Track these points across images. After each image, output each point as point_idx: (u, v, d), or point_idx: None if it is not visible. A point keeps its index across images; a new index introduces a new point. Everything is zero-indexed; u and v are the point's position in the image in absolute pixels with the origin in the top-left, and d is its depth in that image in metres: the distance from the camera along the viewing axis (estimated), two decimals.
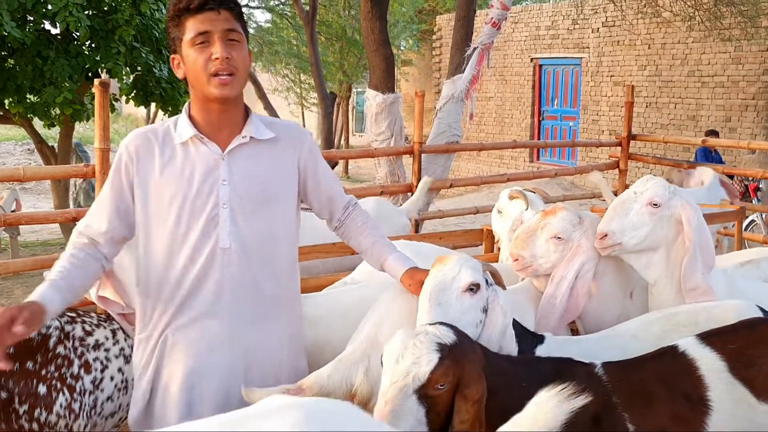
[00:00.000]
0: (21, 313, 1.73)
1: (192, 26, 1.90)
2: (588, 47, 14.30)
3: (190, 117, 2.01)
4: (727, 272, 2.92)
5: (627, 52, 13.55)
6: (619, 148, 7.78)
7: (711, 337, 2.03)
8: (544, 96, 15.59)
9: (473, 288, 1.99)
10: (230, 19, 1.92)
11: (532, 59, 15.58)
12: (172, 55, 2.00)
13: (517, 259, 2.76)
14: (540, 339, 2.27)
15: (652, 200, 2.62)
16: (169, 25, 1.96)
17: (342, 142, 22.43)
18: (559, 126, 15.34)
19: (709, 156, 9.28)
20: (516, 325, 2.19)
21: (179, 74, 1.99)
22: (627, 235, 2.63)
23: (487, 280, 2.06)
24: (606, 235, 2.63)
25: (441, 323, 1.85)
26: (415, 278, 2.08)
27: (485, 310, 2.04)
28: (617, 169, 7.80)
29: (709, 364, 1.96)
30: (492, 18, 6.89)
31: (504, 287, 2.10)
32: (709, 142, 8.00)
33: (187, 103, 2.06)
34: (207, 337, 2.01)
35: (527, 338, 2.24)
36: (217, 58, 1.88)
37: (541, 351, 2.23)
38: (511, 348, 2.10)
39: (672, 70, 12.83)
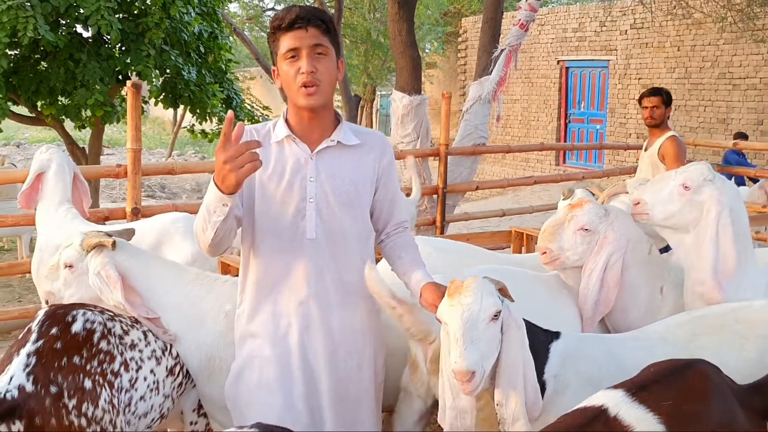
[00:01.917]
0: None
1: (284, 43, 2.11)
2: (616, 49, 14.18)
3: (286, 120, 2.22)
4: (765, 272, 2.90)
5: (656, 54, 13.42)
6: None
7: (642, 392, 1.78)
8: (571, 98, 15.49)
9: (497, 315, 2.01)
10: (317, 35, 2.10)
11: (558, 61, 15.49)
12: (273, 67, 2.22)
13: (545, 252, 2.83)
14: (555, 335, 2.26)
15: (685, 183, 2.71)
16: (268, 40, 2.20)
17: None
18: (586, 129, 15.22)
19: (739, 159, 9.15)
20: (525, 323, 2.17)
21: (277, 84, 2.21)
22: (656, 207, 2.77)
23: (500, 299, 2.06)
24: (639, 203, 2.80)
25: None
26: (441, 290, 2.15)
27: (502, 330, 2.05)
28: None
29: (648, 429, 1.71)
30: (519, 19, 6.87)
31: (512, 299, 2.11)
32: (740, 145, 7.90)
33: (285, 108, 2.27)
34: (295, 322, 2.20)
35: (539, 336, 2.22)
36: (304, 72, 2.09)
37: (556, 348, 2.22)
38: (527, 355, 2.08)
39: (702, 73, 12.67)
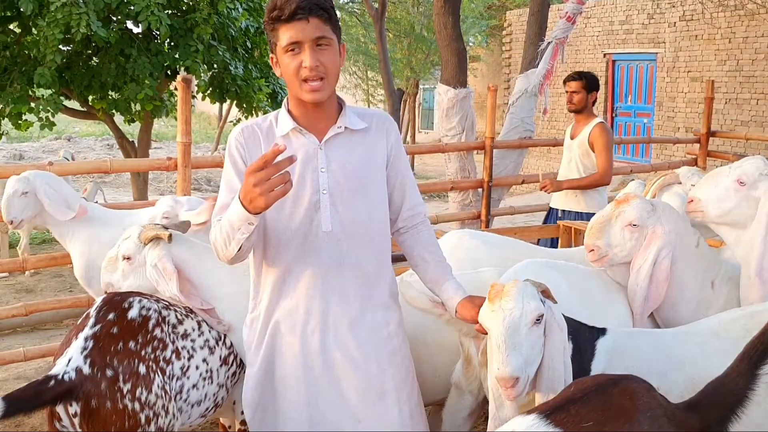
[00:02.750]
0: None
1: (284, 34, 1.99)
2: (664, 42, 13.89)
3: (288, 112, 2.13)
4: None
5: (706, 46, 13.10)
6: (697, 146, 7.55)
7: (558, 413, 1.63)
8: (618, 92, 15.23)
9: (539, 319, 1.96)
10: (320, 25, 1.99)
11: (605, 55, 15.24)
12: (271, 54, 2.12)
13: (593, 250, 2.78)
14: (601, 331, 2.22)
15: (740, 178, 2.67)
16: (265, 27, 2.08)
17: (408, 138, 22.46)
18: (633, 123, 14.96)
19: None
20: (570, 321, 2.15)
21: (277, 72, 2.10)
22: (711, 205, 2.72)
23: (542, 301, 2.02)
24: (692, 201, 2.77)
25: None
26: (476, 303, 2.11)
27: (544, 333, 2.00)
28: (695, 167, 7.56)
29: None
30: (567, 12, 6.78)
31: (554, 301, 2.05)
32: None
33: (285, 99, 2.18)
34: (317, 318, 2.12)
35: (584, 333, 2.18)
36: (307, 67, 1.98)
37: (602, 345, 2.18)
38: (568, 359, 2.05)
39: (754, 65, 12.33)
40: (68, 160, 8.34)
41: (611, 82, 15.29)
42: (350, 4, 21.11)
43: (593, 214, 3.11)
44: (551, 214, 5.11)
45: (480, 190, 6.58)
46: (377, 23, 15.13)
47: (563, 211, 4.94)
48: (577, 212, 4.81)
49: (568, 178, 4.96)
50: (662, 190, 3.66)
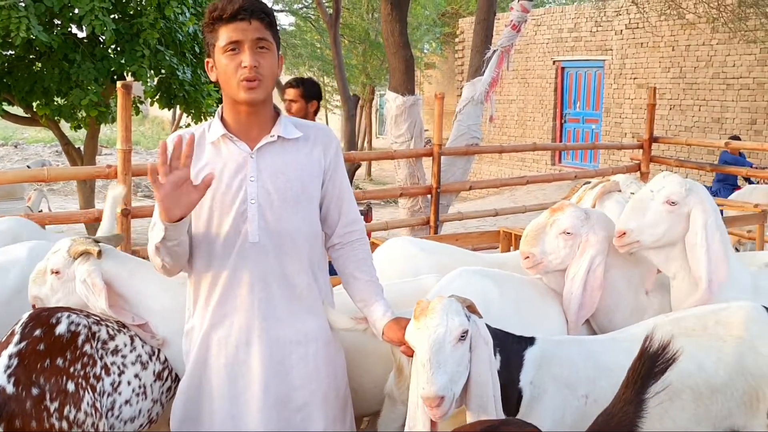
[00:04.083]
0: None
1: (225, 34, 1.99)
2: (611, 49, 14.20)
3: (222, 119, 2.12)
4: (752, 273, 2.91)
5: (651, 54, 13.44)
6: (640, 151, 7.73)
7: None
8: (567, 98, 15.50)
9: (464, 335, 1.95)
10: (260, 29, 2.00)
11: (554, 62, 15.50)
12: (207, 59, 2.10)
13: (528, 257, 2.81)
14: (530, 341, 2.23)
15: (670, 198, 2.65)
16: (204, 30, 2.07)
17: (365, 144, 22.49)
18: (582, 129, 15.24)
19: (736, 158, 9.18)
20: (497, 332, 2.16)
21: (212, 77, 2.09)
22: (645, 233, 2.67)
23: (467, 317, 2.00)
24: (624, 233, 2.67)
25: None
26: (401, 325, 2.09)
27: (470, 348, 1.99)
28: (639, 172, 7.75)
29: None
30: (512, 21, 6.89)
31: (480, 315, 2.04)
32: (731, 145, 7.93)
33: (219, 107, 2.16)
34: (243, 332, 2.10)
35: (512, 343, 2.19)
36: (246, 66, 1.98)
37: (531, 354, 2.19)
38: (495, 373, 2.04)
39: (696, 72, 12.70)
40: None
41: (560, 89, 15.55)
42: (304, 9, 21.05)
43: None
44: None
45: (429, 196, 6.63)
46: (331, 29, 15.11)
47: None
48: None
49: None
50: (602, 198, 3.69)
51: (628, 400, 1.84)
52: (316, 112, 4.36)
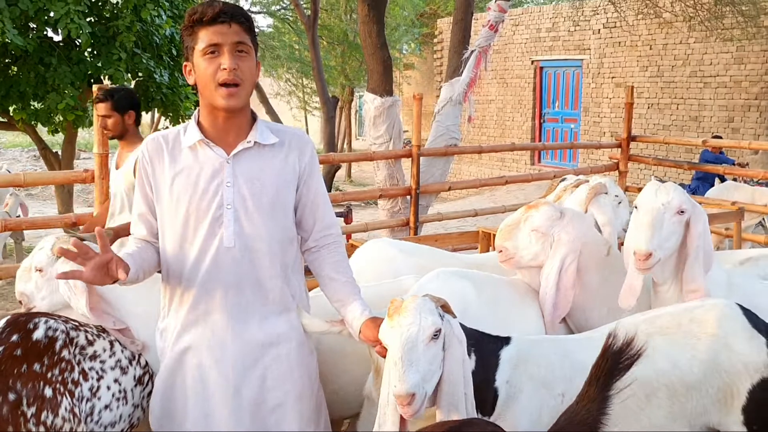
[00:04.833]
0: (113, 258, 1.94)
1: (204, 37, 1.99)
2: (589, 49, 14.31)
3: (198, 123, 2.11)
4: (727, 270, 2.95)
5: (628, 53, 13.56)
6: (618, 150, 7.79)
7: None
8: (545, 98, 15.60)
9: (437, 334, 1.95)
10: (240, 32, 2.00)
11: (533, 61, 15.60)
12: (185, 62, 2.09)
13: (501, 250, 2.89)
14: (506, 341, 2.24)
15: (681, 208, 2.63)
16: (183, 34, 2.07)
17: (345, 145, 22.47)
18: (561, 128, 15.35)
19: (718, 156, 9.29)
20: (473, 332, 2.17)
21: (190, 81, 2.08)
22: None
23: (441, 316, 2.00)
24: (651, 255, 2.55)
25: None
26: (377, 323, 2.10)
27: (443, 347, 1.99)
28: (617, 171, 7.81)
29: None
30: (489, 21, 6.92)
31: (454, 315, 2.05)
32: (709, 143, 8.02)
33: (196, 110, 2.15)
34: (216, 334, 2.12)
35: (488, 343, 2.20)
36: (225, 69, 1.98)
37: (506, 354, 2.20)
38: (468, 373, 2.04)
39: (674, 71, 12.83)
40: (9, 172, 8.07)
41: (539, 89, 15.65)
42: (282, 11, 20.99)
43: None
44: None
45: (408, 197, 6.64)
46: (309, 30, 15.09)
47: None
48: None
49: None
50: (593, 201, 3.61)
51: (592, 398, 1.84)
52: (137, 123, 3.89)
